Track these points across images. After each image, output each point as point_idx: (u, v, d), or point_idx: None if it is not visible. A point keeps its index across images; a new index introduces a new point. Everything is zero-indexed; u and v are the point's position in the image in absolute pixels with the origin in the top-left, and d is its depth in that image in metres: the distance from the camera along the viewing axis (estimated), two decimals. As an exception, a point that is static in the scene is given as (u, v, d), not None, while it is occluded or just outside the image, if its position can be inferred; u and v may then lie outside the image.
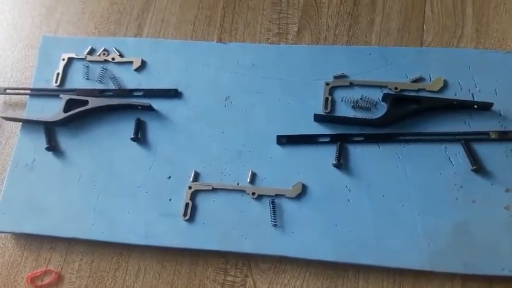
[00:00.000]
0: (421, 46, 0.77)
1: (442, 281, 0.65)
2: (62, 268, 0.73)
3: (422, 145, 0.69)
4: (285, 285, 0.68)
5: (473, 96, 0.71)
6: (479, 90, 0.71)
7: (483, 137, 0.68)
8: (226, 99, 0.77)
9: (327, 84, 0.74)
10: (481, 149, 0.68)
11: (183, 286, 0.69)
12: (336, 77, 0.75)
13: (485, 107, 0.69)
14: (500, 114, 0.69)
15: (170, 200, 0.72)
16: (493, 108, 0.69)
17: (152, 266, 0.71)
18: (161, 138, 0.76)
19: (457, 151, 0.68)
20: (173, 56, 0.80)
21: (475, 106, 0.69)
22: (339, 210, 0.68)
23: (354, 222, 0.67)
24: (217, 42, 0.82)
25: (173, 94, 0.77)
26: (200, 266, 0.70)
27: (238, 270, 0.69)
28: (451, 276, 0.64)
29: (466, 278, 0.64)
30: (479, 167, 0.66)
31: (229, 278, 0.69)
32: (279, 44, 0.82)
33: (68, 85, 0.82)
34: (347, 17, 0.82)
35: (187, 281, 0.70)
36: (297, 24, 0.83)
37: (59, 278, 0.73)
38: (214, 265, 0.70)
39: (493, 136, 0.68)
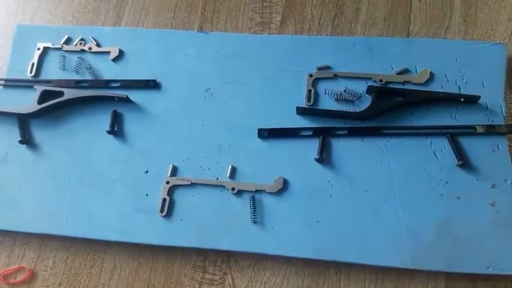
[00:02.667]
0: (408, 37, 0.75)
1: (425, 278, 0.63)
2: (35, 265, 0.70)
3: (406, 139, 0.67)
4: (264, 283, 0.66)
5: (459, 88, 0.69)
6: (466, 83, 0.69)
7: (469, 131, 0.66)
8: (206, 91, 0.74)
9: (311, 75, 0.72)
10: (467, 143, 0.66)
11: (160, 284, 0.67)
12: (319, 69, 0.72)
13: (472, 100, 0.67)
14: (487, 108, 0.67)
15: (147, 195, 0.69)
16: (480, 101, 0.67)
17: (128, 263, 0.69)
18: (138, 131, 0.73)
19: (442, 145, 0.66)
20: (152, 46, 0.77)
21: (462, 99, 0.67)
22: (321, 206, 0.66)
23: (336, 218, 0.65)
24: (197, 31, 0.79)
25: (151, 85, 0.75)
26: (177, 263, 0.68)
27: (216, 268, 0.67)
28: (435, 274, 0.63)
29: (449, 276, 0.62)
30: (464, 162, 0.64)
31: (207, 276, 0.67)
32: (261, 33, 0.79)
33: (44, 75, 0.79)
34: (331, 6, 0.79)
35: (164, 278, 0.67)
36: (280, 14, 0.80)
37: (33, 275, 0.70)
38: (192, 262, 0.68)
39: (480, 130, 0.66)
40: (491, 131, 0.66)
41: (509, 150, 0.65)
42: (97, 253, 0.70)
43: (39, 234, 0.70)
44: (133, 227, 0.68)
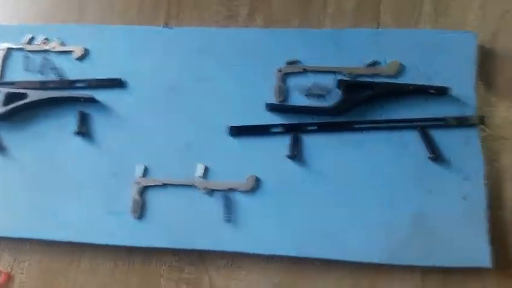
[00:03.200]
0: (378, 27, 0.73)
1: (402, 273, 0.63)
2: (12, 268, 0.70)
3: (378, 133, 0.66)
4: (241, 281, 0.66)
5: (430, 80, 0.68)
6: (437, 73, 0.68)
7: (440, 123, 0.65)
8: (173, 88, 0.72)
9: (280, 70, 0.70)
10: (439, 135, 0.65)
11: (137, 285, 0.67)
12: (289, 63, 0.71)
13: (442, 92, 0.66)
14: (458, 99, 0.66)
15: (118, 196, 0.68)
16: (452, 92, 0.66)
17: (104, 265, 0.68)
18: (106, 132, 0.71)
19: (413, 138, 0.66)
20: (117, 43, 0.75)
21: (432, 91, 0.66)
22: (295, 203, 0.65)
23: (310, 215, 0.64)
24: (163, 26, 0.77)
25: (117, 84, 0.73)
26: (153, 264, 0.68)
27: (193, 267, 0.67)
28: (411, 269, 0.62)
29: (425, 270, 0.62)
30: (436, 155, 0.64)
31: (184, 276, 0.67)
32: (229, 27, 0.77)
33: (8, 77, 0.76)
34: (300, -3, 0.77)
35: (141, 279, 0.67)
36: (247, 6, 0.78)
37: (9, 278, 0.70)
38: (168, 263, 0.67)
39: (451, 122, 0.65)
40: (462, 122, 0.65)
41: (480, 141, 0.65)
42: (73, 255, 0.69)
43: (14, 238, 0.69)
44: (106, 228, 0.67)
